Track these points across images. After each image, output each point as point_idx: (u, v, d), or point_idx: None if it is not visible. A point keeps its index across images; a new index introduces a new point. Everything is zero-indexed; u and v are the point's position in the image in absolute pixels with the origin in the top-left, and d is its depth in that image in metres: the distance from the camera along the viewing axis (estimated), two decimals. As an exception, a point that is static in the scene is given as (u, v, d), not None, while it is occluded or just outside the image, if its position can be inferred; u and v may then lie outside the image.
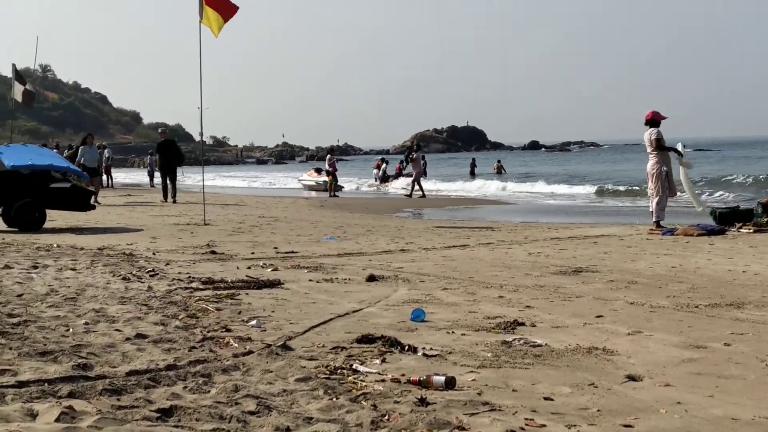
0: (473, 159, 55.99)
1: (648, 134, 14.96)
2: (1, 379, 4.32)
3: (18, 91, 25.78)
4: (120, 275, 8.90)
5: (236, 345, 5.45)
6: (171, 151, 25.82)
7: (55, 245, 12.26)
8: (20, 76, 26.53)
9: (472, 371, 4.94)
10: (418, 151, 34.88)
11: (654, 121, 15.00)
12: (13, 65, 26.60)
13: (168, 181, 25.95)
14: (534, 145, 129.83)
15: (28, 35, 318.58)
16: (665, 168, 14.87)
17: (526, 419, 4.02)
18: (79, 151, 24.34)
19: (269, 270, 9.69)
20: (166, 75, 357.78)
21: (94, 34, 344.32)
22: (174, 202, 25.26)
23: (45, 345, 5.24)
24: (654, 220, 15.01)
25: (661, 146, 14.86)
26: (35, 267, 9.52)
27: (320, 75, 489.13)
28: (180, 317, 6.44)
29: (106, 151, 35.18)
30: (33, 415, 3.76)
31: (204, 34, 16.94)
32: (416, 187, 33.88)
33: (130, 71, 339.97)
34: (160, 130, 28.07)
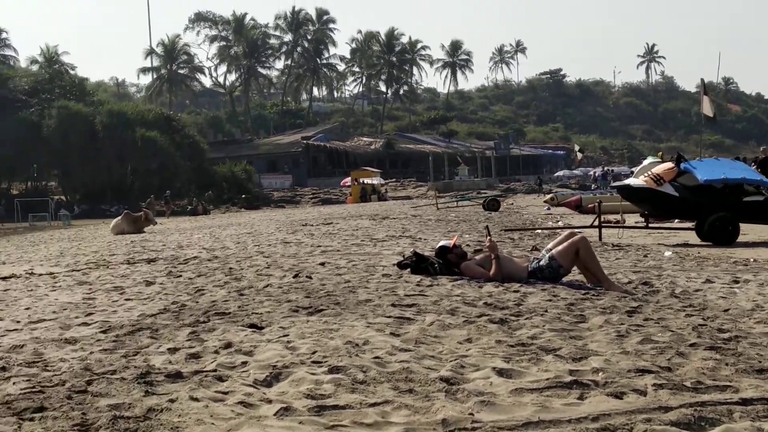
0: None
1: None
2: (724, 396, 4.29)
3: (707, 105, 26.05)
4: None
5: None
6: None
7: (751, 259, 12.12)
8: (707, 90, 26.90)
9: None
10: None
11: None
12: (702, 80, 27.15)
13: None
14: None
15: (701, 52, 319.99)
16: None
17: None
18: None
19: None
20: None
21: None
22: None
23: (760, 362, 5.11)
24: None
25: None
26: (736, 282, 9.47)
27: None
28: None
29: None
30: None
31: None
32: None
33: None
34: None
